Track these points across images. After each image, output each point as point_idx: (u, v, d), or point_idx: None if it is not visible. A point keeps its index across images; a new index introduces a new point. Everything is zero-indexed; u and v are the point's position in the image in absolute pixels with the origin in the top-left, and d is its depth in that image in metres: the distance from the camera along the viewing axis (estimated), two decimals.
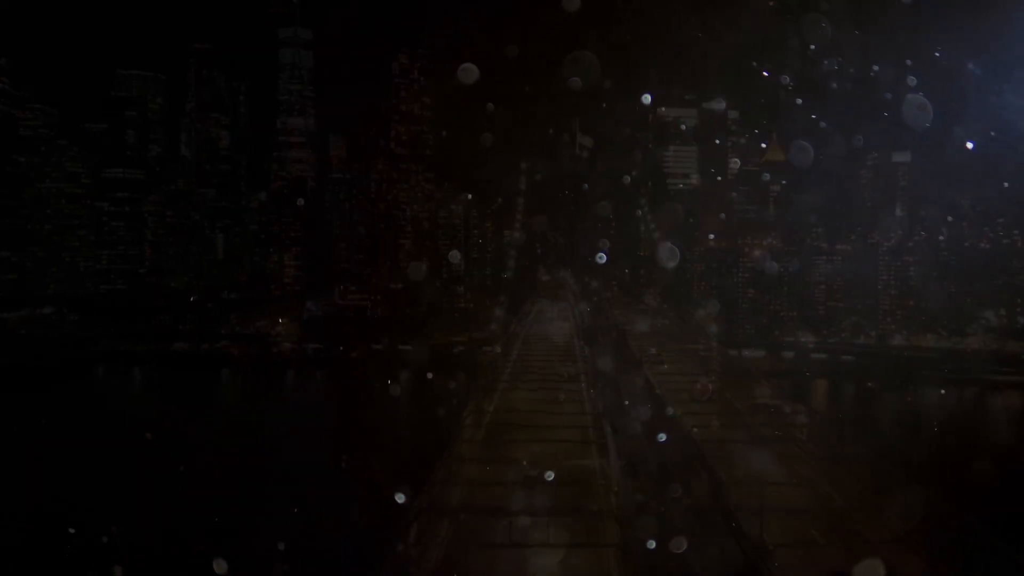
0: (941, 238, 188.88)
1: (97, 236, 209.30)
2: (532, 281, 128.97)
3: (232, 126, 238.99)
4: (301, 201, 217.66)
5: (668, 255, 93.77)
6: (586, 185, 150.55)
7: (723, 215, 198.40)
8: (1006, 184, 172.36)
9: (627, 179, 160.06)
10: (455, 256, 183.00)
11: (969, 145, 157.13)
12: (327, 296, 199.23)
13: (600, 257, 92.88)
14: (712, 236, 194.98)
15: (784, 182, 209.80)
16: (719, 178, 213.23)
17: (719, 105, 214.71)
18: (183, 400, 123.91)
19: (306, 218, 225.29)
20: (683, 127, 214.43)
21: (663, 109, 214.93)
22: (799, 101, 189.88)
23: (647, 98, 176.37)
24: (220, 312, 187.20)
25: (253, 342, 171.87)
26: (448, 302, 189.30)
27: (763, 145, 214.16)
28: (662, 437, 34.62)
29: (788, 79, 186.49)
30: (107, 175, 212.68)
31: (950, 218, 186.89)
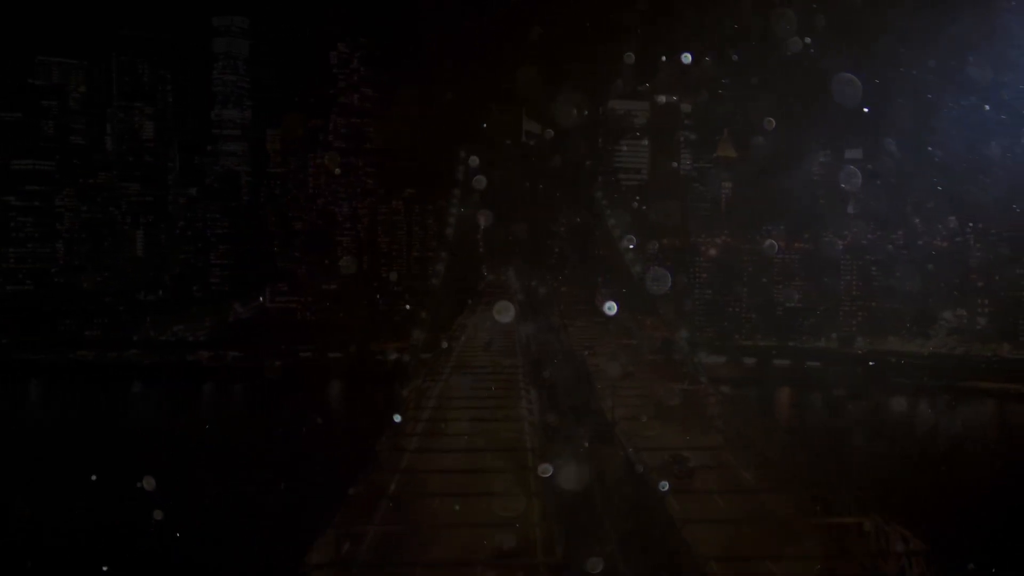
0: (895, 236, 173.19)
1: (2, 232, 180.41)
2: (473, 282, 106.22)
3: (159, 117, 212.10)
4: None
5: (657, 281, 77.78)
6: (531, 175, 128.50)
7: (676, 212, 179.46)
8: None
9: (579, 172, 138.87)
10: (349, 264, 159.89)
11: (866, 109, 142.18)
12: (256, 298, 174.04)
13: (609, 308, 74.70)
14: (665, 234, 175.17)
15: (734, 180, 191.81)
16: (671, 174, 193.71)
17: (671, 99, 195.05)
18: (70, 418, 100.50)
19: (239, 215, 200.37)
20: (635, 121, 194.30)
21: (614, 102, 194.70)
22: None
23: (687, 57, 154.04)
24: (134, 316, 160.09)
25: (167, 349, 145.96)
26: (387, 304, 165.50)
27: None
28: None
29: (736, 57, 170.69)
30: (15, 167, 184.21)
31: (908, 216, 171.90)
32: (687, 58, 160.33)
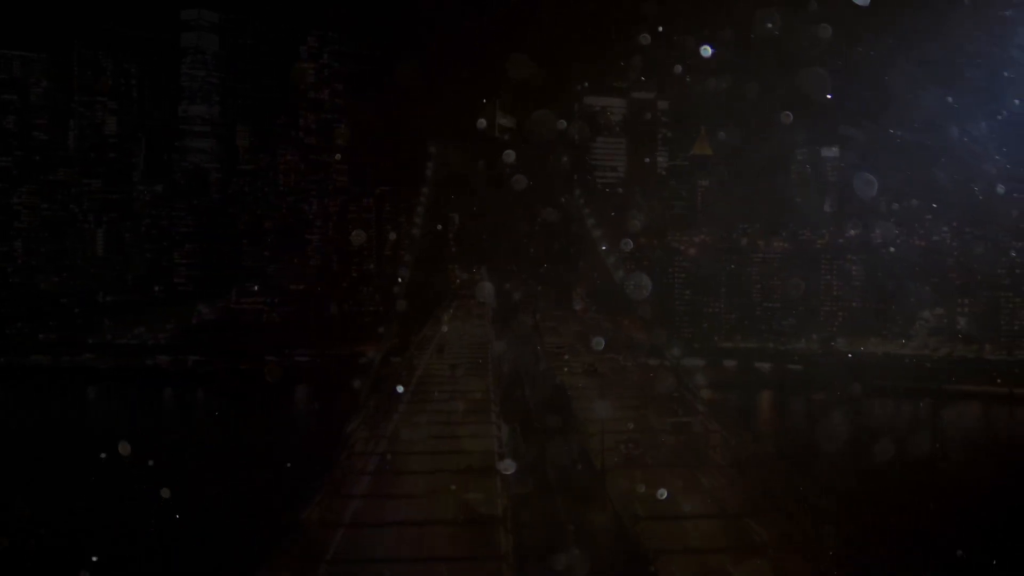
0: (873, 235, 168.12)
1: None
2: (443, 284, 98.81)
3: (124, 112, 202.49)
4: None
5: (638, 287, 73.78)
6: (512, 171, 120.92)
7: (653, 210, 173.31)
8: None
9: (555, 168, 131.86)
10: (360, 236, 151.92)
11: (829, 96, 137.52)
12: (222, 298, 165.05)
13: (597, 343, 66.68)
14: (641, 233, 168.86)
15: (711, 178, 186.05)
16: (648, 171, 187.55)
17: (648, 95, 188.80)
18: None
19: (207, 212, 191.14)
20: (611, 117, 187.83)
21: (591, 98, 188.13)
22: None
23: (669, 54, 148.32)
24: (91, 318, 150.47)
25: (125, 353, 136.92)
26: (356, 306, 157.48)
27: None
28: None
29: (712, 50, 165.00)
30: None
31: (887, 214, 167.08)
32: (666, 54, 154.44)
